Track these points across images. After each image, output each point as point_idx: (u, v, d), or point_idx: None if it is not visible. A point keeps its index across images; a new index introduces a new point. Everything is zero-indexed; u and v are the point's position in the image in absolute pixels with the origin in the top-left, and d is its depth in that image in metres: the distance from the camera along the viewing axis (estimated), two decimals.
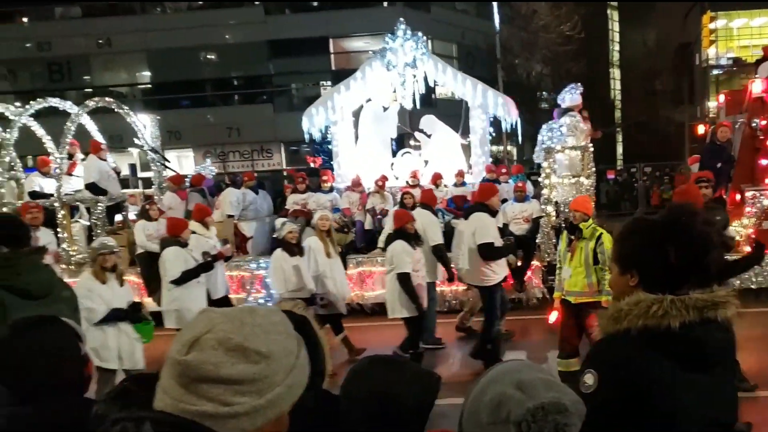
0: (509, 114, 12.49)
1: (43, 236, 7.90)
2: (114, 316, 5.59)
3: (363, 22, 25.95)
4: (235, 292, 9.52)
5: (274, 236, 9.52)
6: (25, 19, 26.06)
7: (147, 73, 27.10)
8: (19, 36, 25.31)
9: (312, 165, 16.24)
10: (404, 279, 6.80)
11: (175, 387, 1.08)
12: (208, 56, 27.15)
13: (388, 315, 7.22)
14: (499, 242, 7.05)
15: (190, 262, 6.91)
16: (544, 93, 31.25)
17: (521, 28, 28.52)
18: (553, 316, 6.37)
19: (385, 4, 27.21)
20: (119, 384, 1.88)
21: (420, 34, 12.47)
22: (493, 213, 7.21)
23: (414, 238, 7.11)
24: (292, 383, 1.16)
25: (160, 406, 1.09)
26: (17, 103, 11.09)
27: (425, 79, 12.68)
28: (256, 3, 26.08)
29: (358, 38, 27.74)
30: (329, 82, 27.53)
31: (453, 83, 12.72)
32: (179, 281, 6.78)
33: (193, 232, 7.47)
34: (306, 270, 7.19)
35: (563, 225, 7.60)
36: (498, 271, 7.03)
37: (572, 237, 6.11)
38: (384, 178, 11.68)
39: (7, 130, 10.57)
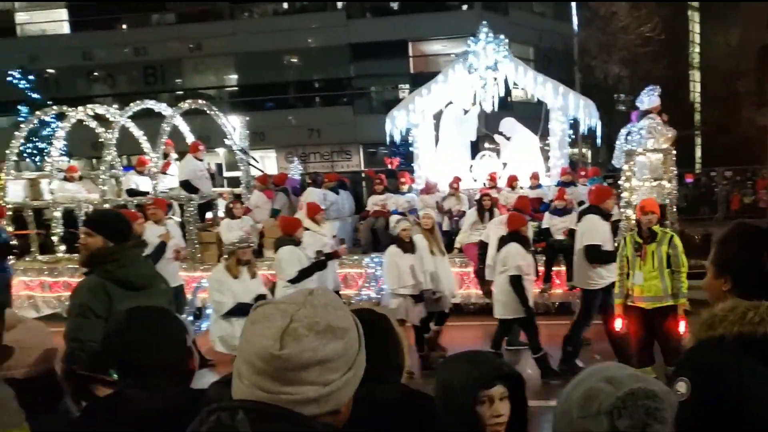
0: (590, 116, 12.37)
1: (172, 230, 8.35)
2: (239, 311, 5.87)
3: (442, 25, 26.01)
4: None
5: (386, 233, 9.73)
6: (124, 26, 27.56)
7: (234, 76, 28.09)
8: (118, 42, 26.71)
9: (389, 167, 16.44)
10: (516, 281, 6.84)
11: (267, 381, 1.11)
12: (291, 59, 27.90)
13: (494, 315, 7.25)
14: (608, 246, 6.90)
15: (304, 261, 6.95)
16: (621, 95, 30.46)
17: (600, 30, 27.90)
18: (618, 323, 6.24)
19: (464, 7, 27.16)
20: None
21: (502, 37, 12.49)
22: (606, 216, 7.11)
23: (527, 242, 7.17)
24: (363, 354, 1.24)
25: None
26: (115, 105, 11.76)
27: (505, 81, 12.73)
28: (338, 8, 26.59)
29: (437, 41, 27.82)
30: (408, 85, 27.74)
31: (533, 86, 12.71)
32: (296, 280, 6.77)
33: (306, 229, 7.58)
34: (419, 267, 7.29)
35: (632, 229, 7.44)
36: (605, 276, 6.85)
37: (640, 241, 5.97)
38: (458, 180, 11.78)
39: (108, 131, 11.23)
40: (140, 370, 2.01)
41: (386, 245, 7.84)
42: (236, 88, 26.61)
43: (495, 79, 12.65)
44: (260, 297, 6.06)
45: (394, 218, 8.95)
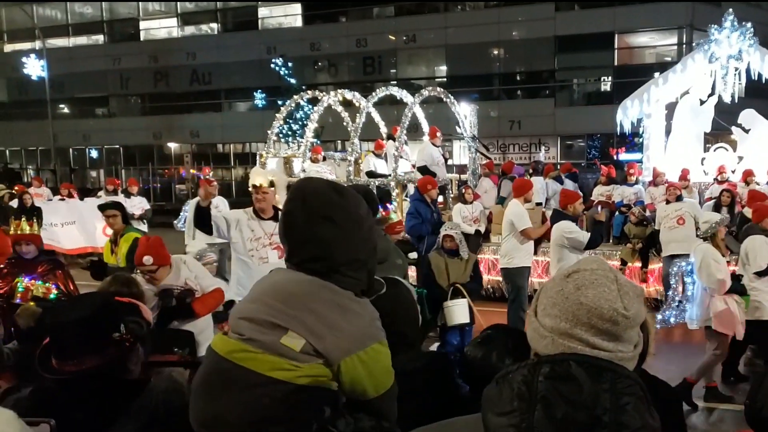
0: None
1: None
2: None
3: (650, 17, 24.91)
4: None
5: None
6: (343, 19, 29.65)
7: (443, 68, 29.06)
8: (342, 33, 28.75)
9: (615, 157, 16.22)
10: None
11: (605, 340, 1.18)
12: (497, 52, 28.26)
13: None
14: None
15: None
16: None
17: None
18: None
19: None
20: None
21: (749, 25, 11.91)
22: None
23: None
24: None
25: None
26: (356, 94, 12.74)
27: (747, 71, 12.13)
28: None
29: (644, 33, 26.68)
30: (611, 78, 26.94)
31: None
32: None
33: None
34: None
35: None
36: None
37: None
38: (686, 171, 11.43)
39: (356, 114, 12.28)
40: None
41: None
42: (445, 79, 27.49)
43: (736, 69, 12.11)
44: None
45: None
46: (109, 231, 6.85)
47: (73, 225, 12.82)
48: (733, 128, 12.89)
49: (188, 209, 10.52)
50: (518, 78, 28.48)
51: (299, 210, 1.94)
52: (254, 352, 1.80)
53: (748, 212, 7.97)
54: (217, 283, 5.02)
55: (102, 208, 6.72)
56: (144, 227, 11.74)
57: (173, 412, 2.13)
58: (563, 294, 1.21)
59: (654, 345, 2.27)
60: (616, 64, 26.79)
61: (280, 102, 13.95)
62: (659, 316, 7.72)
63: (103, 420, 2.09)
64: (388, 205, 5.90)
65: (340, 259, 1.92)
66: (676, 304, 7.94)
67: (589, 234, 7.05)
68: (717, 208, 9.91)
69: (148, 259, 4.57)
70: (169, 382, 2.28)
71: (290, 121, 19.15)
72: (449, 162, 14.31)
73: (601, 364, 1.12)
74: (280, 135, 13.48)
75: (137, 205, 12.68)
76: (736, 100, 12.35)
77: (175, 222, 12.73)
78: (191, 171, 29.94)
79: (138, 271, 4.65)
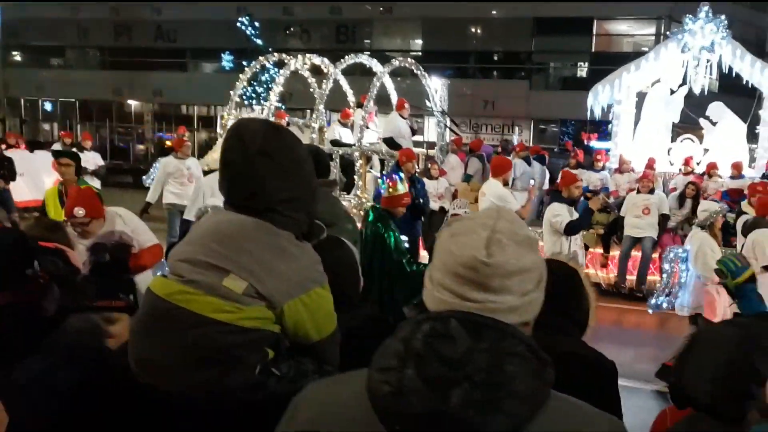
0: None
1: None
2: None
3: (630, 5, 24.80)
4: None
5: None
6: None
7: (419, 41, 28.54)
8: None
9: (586, 142, 16.16)
10: None
11: (473, 290, 1.13)
12: (475, 29, 27.85)
13: None
14: None
15: None
16: None
17: None
18: None
19: None
20: None
21: (723, 17, 11.87)
22: None
23: None
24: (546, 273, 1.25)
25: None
26: (325, 59, 12.35)
27: (718, 65, 12.13)
28: None
29: (624, 21, 26.61)
30: (587, 64, 26.83)
31: (749, 70, 12.03)
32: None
33: None
34: None
35: None
36: None
37: None
38: (653, 161, 11.44)
39: (324, 81, 11.92)
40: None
41: None
42: (420, 53, 27.00)
43: (708, 60, 12.08)
44: None
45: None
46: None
47: (21, 177, 12.26)
48: (701, 120, 12.90)
49: (158, 167, 10.29)
50: (495, 58, 28.16)
51: (236, 148, 1.93)
52: (195, 293, 1.80)
53: (746, 207, 8.23)
54: (156, 239, 4.78)
55: (57, 155, 6.63)
56: (97, 184, 11.29)
57: (86, 352, 2.14)
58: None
59: (595, 319, 2.23)
60: (593, 50, 26.63)
61: (246, 64, 13.45)
62: (652, 301, 7.81)
63: (12, 354, 2.10)
64: (395, 175, 5.52)
65: (278, 196, 1.91)
66: (669, 290, 7.95)
67: (568, 221, 6.77)
68: (681, 199, 9.93)
69: (79, 211, 4.34)
70: (84, 322, 2.27)
71: (255, 84, 18.68)
72: (420, 137, 14.11)
73: (483, 321, 1.08)
74: (244, 97, 13.07)
75: (90, 160, 12.23)
76: (706, 93, 12.36)
77: (144, 177, 12.38)
78: (157, 133, 29.15)
79: (69, 223, 4.37)
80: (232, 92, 12.46)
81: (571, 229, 6.69)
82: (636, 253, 9.39)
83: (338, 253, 2.35)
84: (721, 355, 1.67)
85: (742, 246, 6.51)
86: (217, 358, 1.78)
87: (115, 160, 26.94)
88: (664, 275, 8.09)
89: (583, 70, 27.40)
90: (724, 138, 12.44)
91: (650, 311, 7.83)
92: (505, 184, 7.66)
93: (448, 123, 12.49)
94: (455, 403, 1.01)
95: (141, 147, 31.37)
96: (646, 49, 23.91)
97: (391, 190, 5.35)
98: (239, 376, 1.79)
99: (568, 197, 6.91)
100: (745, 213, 7.86)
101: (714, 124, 12.69)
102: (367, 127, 12.11)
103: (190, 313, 1.78)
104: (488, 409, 1.01)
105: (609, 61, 22.07)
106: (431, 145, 14.09)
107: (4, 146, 13.16)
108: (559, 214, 6.75)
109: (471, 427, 1.00)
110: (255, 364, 1.80)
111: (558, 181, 7.70)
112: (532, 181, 10.69)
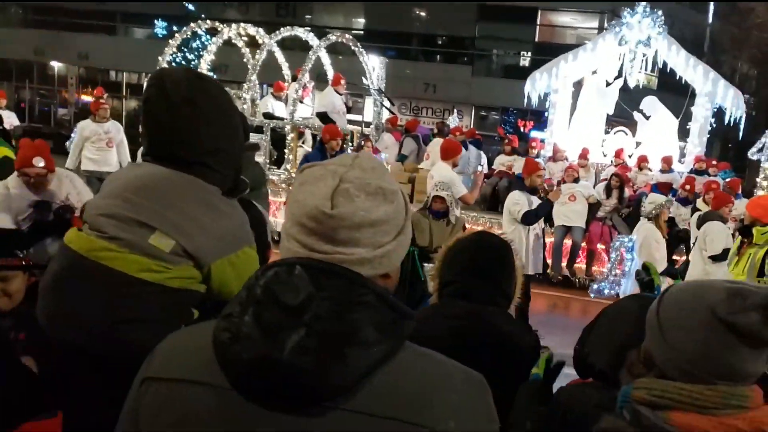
0: (737, 107, 12.02)
1: None
2: None
3: None
4: None
5: None
6: None
7: (362, 20, 28.04)
8: None
9: (522, 129, 16.22)
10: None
11: (320, 241, 1.06)
12: (418, 11, 27.55)
13: None
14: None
15: None
16: (746, 95, 28.56)
17: (735, 24, 26.18)
18: None
19: None
20: None
21: (659, 12, 12.02)
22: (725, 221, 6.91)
23: None
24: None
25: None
26: (261, 30, 11.87)
27: (653, 59, 12.31)
28: None
29: (567, 13, 26.85)
30: (530, 54, 26.99)
31: (683, 67, 12.25)
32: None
33: None
34: None
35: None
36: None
37: (744, 240, 5.66)
38: (586, 151, 11.54)
39: (257, 51, 11.45)
40: None
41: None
42: (362, 32, 26.50)
43: (644, 55, 12.22)
44: None
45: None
46: None
47: None
48: (635, 113, 13.09)
49: (78, 131, 9.81)
50: (438, 42, 28.00)
51: (158, 96, 1.81)
52: (119, 251, 1.72)
53: (701, 204, 8.76)
54: None
55: None
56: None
57: None
58: (292, 191, 1.14)
59: (519, 291, 2.25)
60: (536, 40, 26.79)
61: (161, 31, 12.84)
62: (594, 286, 8.01)
63: None
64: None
65: (204, 146, 1.82)
66: (613, 277, 8.24)
67: (525, 210, 6.65)
68: (608, 190, 10.00)
69: (38, 161, 4.20)
70: None
71: (185, 50, 17.92)
72: (359, 116, 13.82)
73: (329, 269, 1.04)
74: (174, 64, 12.45)
75: (6, 120, 11.39)
76: (642, 88, 12.52)
77: (67, 143, 11.68)
78: (75, 95, 27.66)
79: (20, 174, 4.26)
80: (160, 58, 11.88)
81: (527, 219, 6.58)
82: (568, 242, 9.45)
83: (253, 213, 2.28)
84: (621, 325, 1.72)
85: (695, 239, 6.79)
86: (141, 317, 1.71)
87: (34, 123, 25.59)
88: (609, 264, 8.37)
89: (525, 60, 27.51)
90: (656, 132, 12.66)
91: (592, 296, 8.05)
92: (454, 167, 7.44)
93: (385, 102, 12.22)
94: (289, 350, 0.98)
95: (63, 111, 29.88)
96: (587, 42, 24.33)
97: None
98: (163, 337, 1.66)
99: (529, 186, 6.82)
100: (699, 210, 8.25)
101: (647, 117, 12.88)
102: (302, 102, 11.79)
103: (113, 271, 1.70)
104: (327, 359, 0.99)
105: (551, 52, 22.10)
106: (369, 125, 13.86)
107: None
108: (518, 202, 6.65)
109: (308, 375, 0.98)
110: (179, 326, 1.66)
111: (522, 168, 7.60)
112: (480, 167, 10.57)
